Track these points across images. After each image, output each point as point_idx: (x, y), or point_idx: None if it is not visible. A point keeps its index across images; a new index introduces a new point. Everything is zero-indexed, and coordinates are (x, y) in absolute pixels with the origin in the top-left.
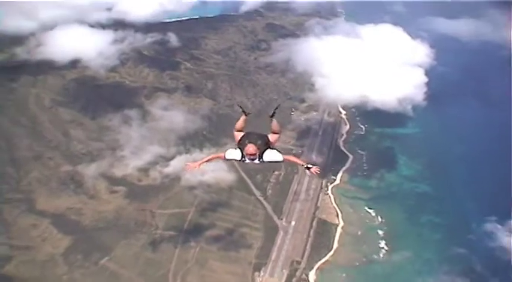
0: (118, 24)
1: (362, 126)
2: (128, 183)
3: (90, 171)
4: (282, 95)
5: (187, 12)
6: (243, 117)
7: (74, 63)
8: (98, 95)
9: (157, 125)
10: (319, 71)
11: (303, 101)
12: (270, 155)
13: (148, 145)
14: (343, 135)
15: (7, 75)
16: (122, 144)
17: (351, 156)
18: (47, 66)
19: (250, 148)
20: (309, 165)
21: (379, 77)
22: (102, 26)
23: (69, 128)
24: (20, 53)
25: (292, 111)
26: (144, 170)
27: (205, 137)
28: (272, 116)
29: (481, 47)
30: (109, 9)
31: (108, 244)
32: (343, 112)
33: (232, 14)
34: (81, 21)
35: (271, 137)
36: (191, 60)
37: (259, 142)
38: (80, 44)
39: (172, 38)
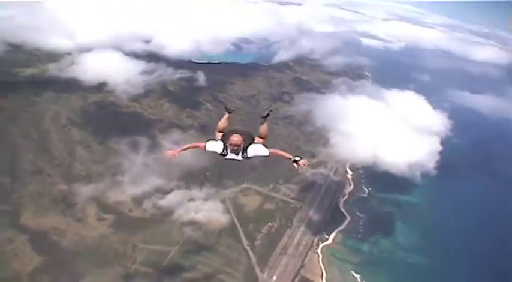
0: (152, 57)
1: (366, 189)
2: (118, 212)
3: (84, 192)
4: (293, 148)
5: (221, 56)
6: (226, 116)
7: (100, 86)
8: (113, 121)
9: (163, 156)
10: (337, 127)
11: (313, 156)
12: (255, 149)
13: (149, 175)
14: (345, 195)
15: (33, 89)
16: (123, 170)
17: (348, 217)
18: (73, 86)
19: (235, 137)
20: (297, 158)
21: (394, 140)
22: (136, 56)
23: (76, 148)
24: (52, 69)
25: None
26: (139, 199)
27: (207, 177)
28: (264, 118)
29: (499, 124)
30: (147, 41)
31: (80, 270)
32: (350, 172)
33: (263, 64)
34: (118, 49)
35: (256, 140)
36: (213, 101)
37: (244, 135)
38: (110, 69)
39: (201, 77)
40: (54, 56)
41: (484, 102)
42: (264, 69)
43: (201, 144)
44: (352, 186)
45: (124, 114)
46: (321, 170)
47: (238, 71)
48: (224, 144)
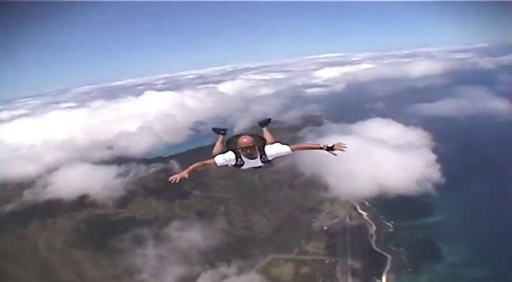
0: (120, 160)
1: (388, 223)
2: None
3: None
4: (297, 208)
5: (185, 143)
6: (220, 139)
7: (82, 199)
8: (109, 232)
9: (174, 245)
10: (328, 171)
11: (320, 210)
12: (273, 149)
13: (168, 266)
14: (373, 236)
15: (17, 222)
16: (139, 267)
17: (388, 256)
18: (55, 207)
19: (244, 139)
20: (329, 145)
21: (388, 164)
22: (105, 162)
23: (83, 268)
24: (28, 195)
25: (313, 221)
26: None
27: (228, 254)
28: (263, 125)
29: (469, 121)
30: (110, 147)
31: None
32: (364, 213)
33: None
34: (84, 160)
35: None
36: (198, 187)
37: (253, 136)
38: (85, 180)
39: (175, 166)
40: (25, 184)
41: (445, 107)
42: None
43: (209, 162)
44: (374, 226)
45: (117, 223)
46: (335, 219)
47: (207, 154)
48: (235, 153)
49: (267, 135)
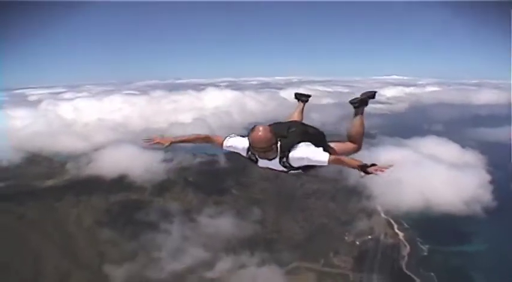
0: (168, 148)
1: (423, 247)
2: None
3: (118, 274)
4: (332, 219)
5: None
6: (299, 107)
7: (121, 179)
8: (140, 218)
9: (202, 229)
10: (374, 180)
11: (355, 224)
12: (304, 152)
13: (190, 247)
14: (404, 257)
15: (52, 195)
16: (159, 244)
17: (418, 280)
18: (92, 185)
19: (259, 133)
20: (367, 164)
21: (439, 181)
22: (153, 148)
23: (104, 248)
24: (70, 168)
25: (346, 235)
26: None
27: (255, 246)
28: (359, 105)
29: None
30: (162, 135)
31: None
32: (401, 234)
33: None
34: (133, 143)
35: (336, 146)
36: (237, 186)
37: (291, 129)
38: (128, 161)
39: (222, 159)
40: (71, 158)
41: (505, 135)
42: None
43: (216, 138)
44: (408, 248)
45: (149, 209)
46: (369, 236)
47: None
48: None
49: (355, 123)
